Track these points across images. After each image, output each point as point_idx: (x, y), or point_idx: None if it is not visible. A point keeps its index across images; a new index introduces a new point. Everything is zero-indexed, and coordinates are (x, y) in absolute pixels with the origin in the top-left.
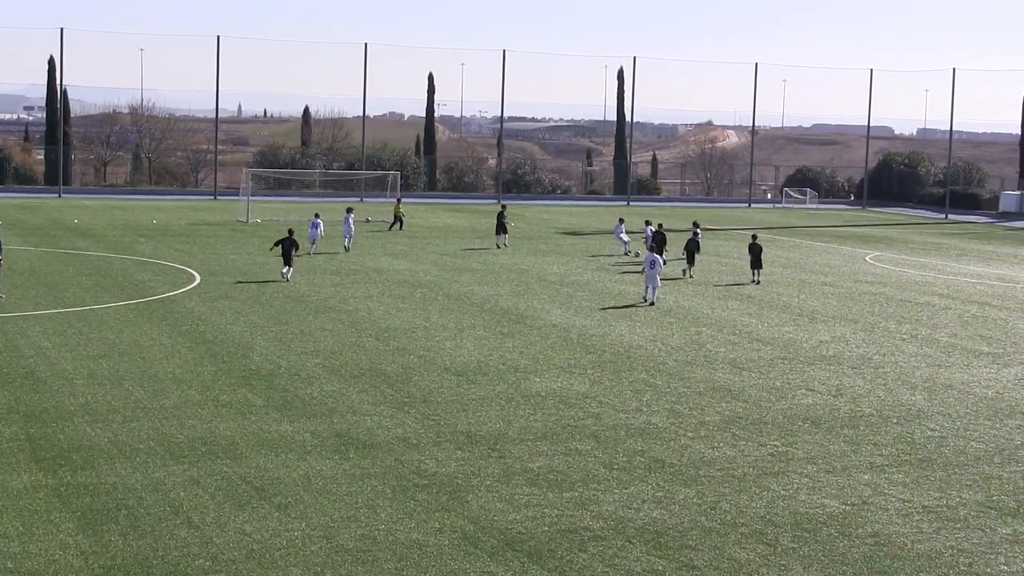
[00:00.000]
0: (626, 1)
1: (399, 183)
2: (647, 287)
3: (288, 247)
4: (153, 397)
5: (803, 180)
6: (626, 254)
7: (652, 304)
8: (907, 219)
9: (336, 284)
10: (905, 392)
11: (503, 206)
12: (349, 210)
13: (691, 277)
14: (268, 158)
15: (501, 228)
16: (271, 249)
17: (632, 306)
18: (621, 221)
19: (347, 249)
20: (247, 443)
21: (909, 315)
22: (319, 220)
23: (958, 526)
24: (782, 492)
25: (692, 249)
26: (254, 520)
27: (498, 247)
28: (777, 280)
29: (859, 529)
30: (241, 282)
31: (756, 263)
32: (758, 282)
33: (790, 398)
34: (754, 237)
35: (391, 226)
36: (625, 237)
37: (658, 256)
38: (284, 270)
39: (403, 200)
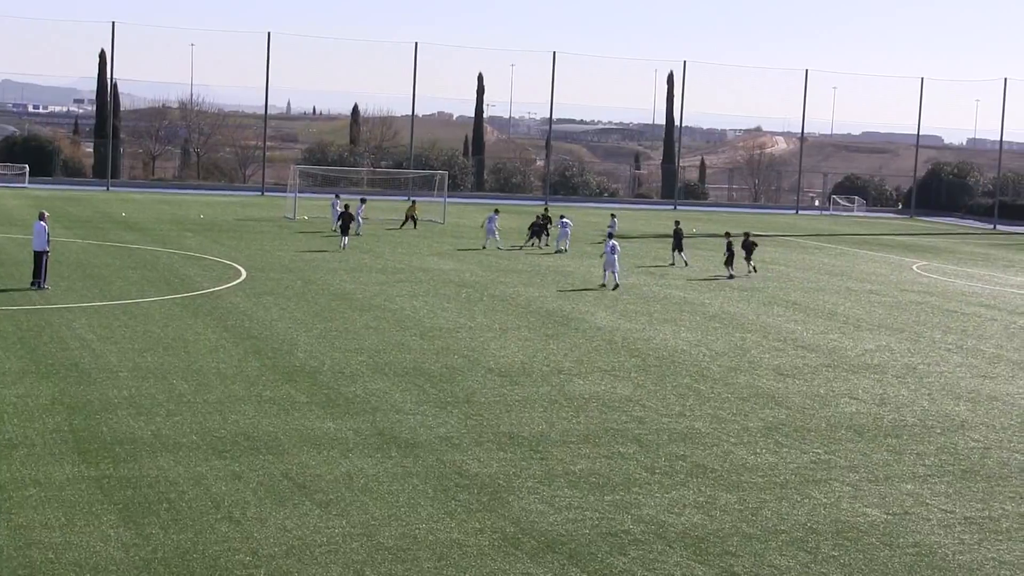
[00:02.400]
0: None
1: (447, 183)
2: (605, 272)
3: (347, 221)
4: (197, 391)
5: (851, 188)
6: (499, 248)
7: (614, 288)
8: (955, 229)
9: (382, 283)
10: (949, 402)
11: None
12: (363, 200)
13: (754, 271)
14: (316, 155)
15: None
16: (334, 229)
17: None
18: (496, 212)
19: (357, 233)
20: (289, 439)
21: (955, 325)
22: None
23: (1000, 538)
24: (824, 500)
25: (745, 249)
26: (295, 516)
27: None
28: (823, 288)
29: (900, 539)
30: (287, 278)
31: (748, 255)
32: (755, 271)
33: (834, 406)
34: (747, 235)
35: (402, 224)
36: (495, 228)
37: (616, 243)
38: (343, 241)
39: (449, 200)
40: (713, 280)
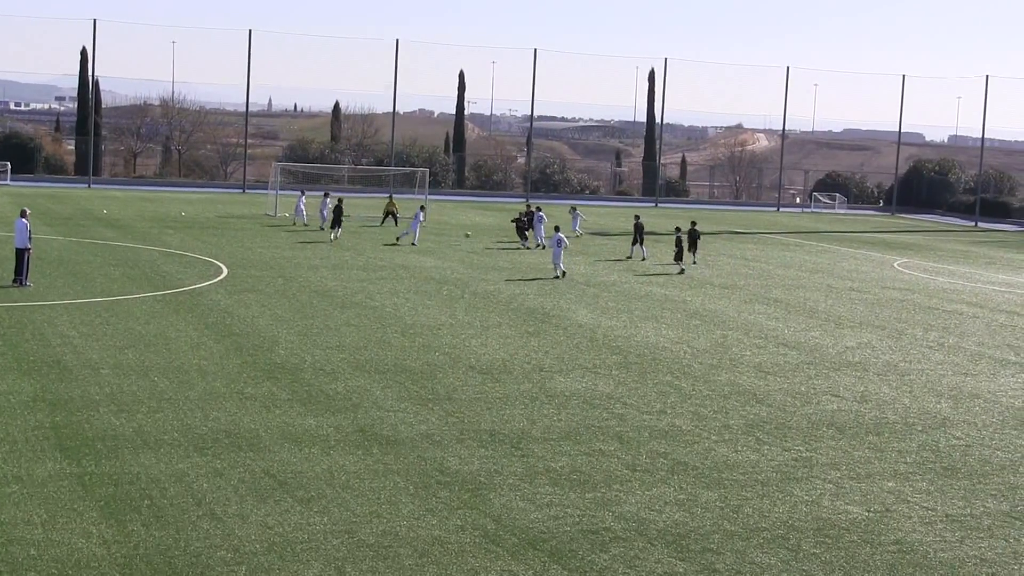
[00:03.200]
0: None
1: (427, 180)
2: (555, 265)
3: (338, 214)
4: (178, 388)
5: (832, 185)
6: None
7: (561, 276)
8: (936, 226)
9: (363, 280)
10: (931, 400)
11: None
12: (326, 195)
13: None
14: (298, 152)
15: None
16: (321, 227)
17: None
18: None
19: (321, 229)
20: (271, 436)
21: (936, 323)
22: (328, 201)
23: (982, 535)
24: (805, 497)
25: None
26: (276, 513)
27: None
28: (805, 285)
29: (882, 536)
30: (268, 275)
31: (692, 247)
32: (695, 263)
33: (815, 403)
34: (693, 224)
35: (382, 221)
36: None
37: (564, 236)
38: (332, 233)
39: (430, 197)
40: (664, 275)
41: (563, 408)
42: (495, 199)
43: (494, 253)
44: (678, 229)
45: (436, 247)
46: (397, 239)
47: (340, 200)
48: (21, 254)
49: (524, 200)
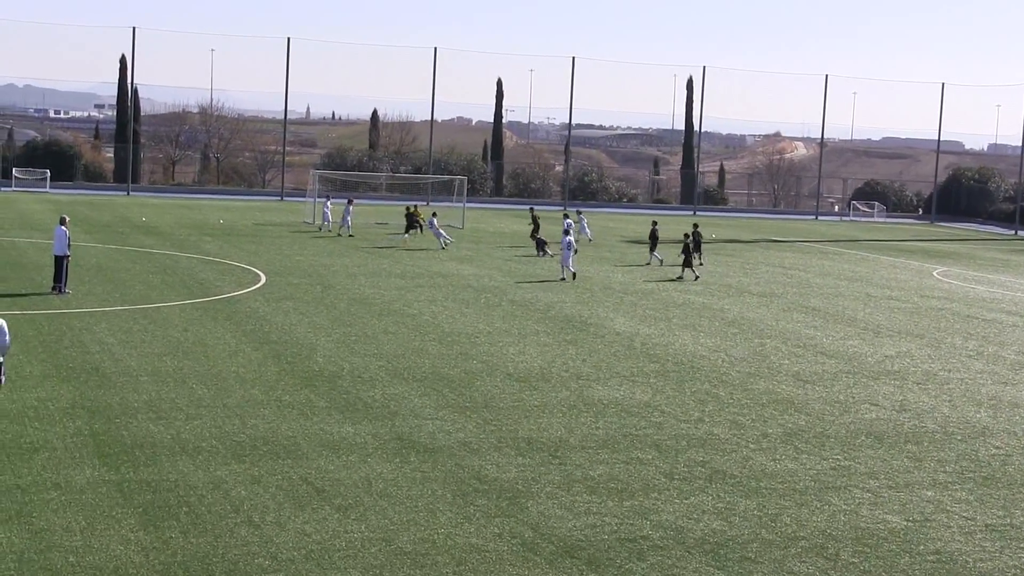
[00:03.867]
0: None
1: (465, 188)
2: (562, 267)
3: (411, 222)
4: (216, 396)
5: (871, 193)
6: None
7: (568, 279)
8: (976, 235)
9: (400, 287)
10: (970, 409)
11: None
12: (350, 202)
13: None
14: (335, 160)
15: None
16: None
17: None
18: (434, 215)
19: (339, 235)
20: (309, 444)
21: (976, 331)
22: (350, 207)
23: (1022, 545)
24: (843, 507)
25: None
26: (314, 521)
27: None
28: (843, 293)
29: (921, 546)
30: (306, 283)
31: (697, 248)
32: (701, 263)
33: (853, 412)
34: (695, 226)
35: (407, 229)
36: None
37: (572, 240)
38: (404, 236)
39: (468, 205)
40: (702, 283)
41: (601, 416)
42: (576, 210)
43: (531, 261)
44: (687, 236)
45: (474, 255)
46: (444, 246)
47: (408, 207)
48: (60, 261)
49: (561, 208)
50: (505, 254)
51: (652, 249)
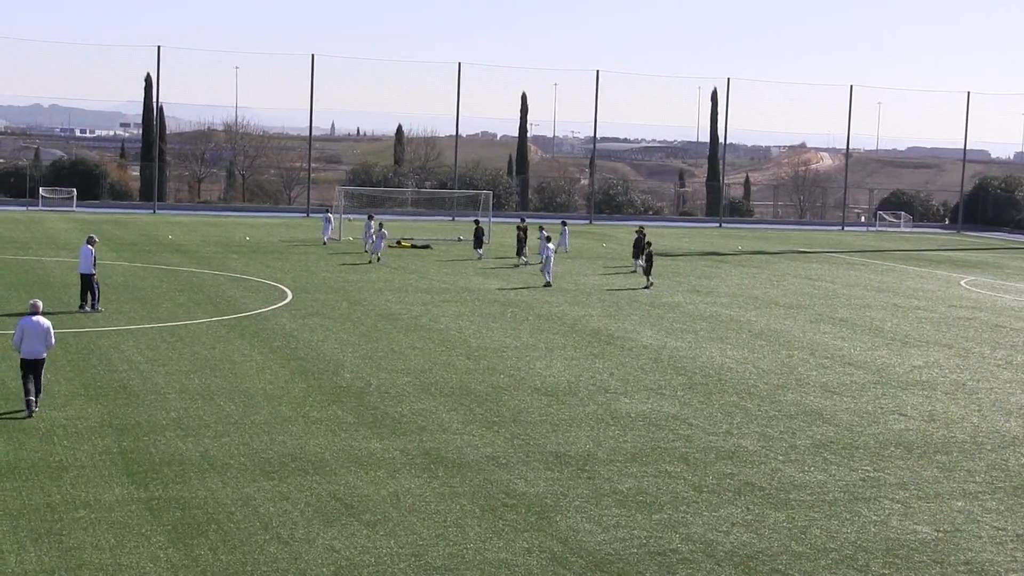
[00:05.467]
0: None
1: (491, 202)
2: (544, 272)
3: (479, 236)
4: (244, 413)
5: (897, 203)
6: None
7: (545, 286)
8: (1003, 244)
9: (427, 303)
10: (1000, 418)
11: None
12: (370, 217)
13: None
14: (361, 176)
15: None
16: (366, 249)
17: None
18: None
19: (366, 251)
20: (337, 460)
21: (1004, 341)
22: (372, 223)
23: None
24: (873, 518)
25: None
26: (343, 537)
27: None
28: (870, 304)
29: (951, 556)
30: (332, 299)
31: (639, 255)
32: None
33: (882, 423)
34: (640, 230)
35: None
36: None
37: (552, 247)
38: (478, 253)
39: (494, 220)
40: (728, 295)
41: (629, 429)
42: (560, 221)
43: (558, 275)
44: (649, 244)
45: (500, 269)
46: (480, 255)
47: (477, 220)
48: (85, 280)
49: (587, 221)
50: (532, 268)
51: (636, 256)
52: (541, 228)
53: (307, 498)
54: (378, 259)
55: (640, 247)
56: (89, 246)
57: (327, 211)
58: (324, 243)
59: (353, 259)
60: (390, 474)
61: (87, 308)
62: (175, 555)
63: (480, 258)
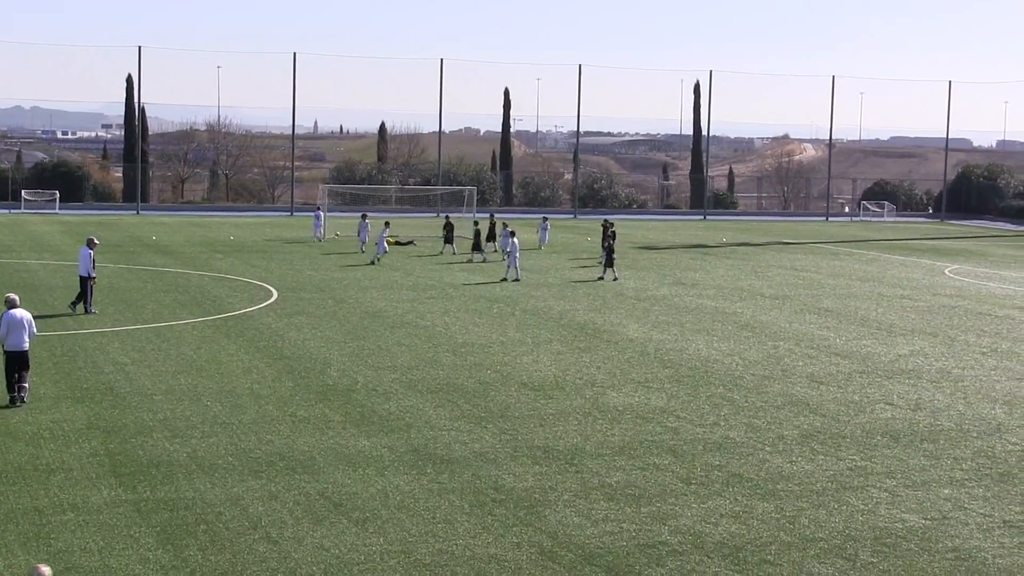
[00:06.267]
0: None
1: (475, 198)
2: (513, 269)
3: (450, 231)
4: (231, 413)
5: (881, 193)
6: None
7: (515, 280)
8: (986, 232)
9: (412, 299)
10: (985, 406)
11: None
12: (364, 217)
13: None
14: (344, 174)
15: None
16: (361, 250)
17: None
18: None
19: (362, 251)
20: (325, 458)
21: (989, 328)
22: (367, 222)
23: None
24: (861, 507)
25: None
26: (332, 535)
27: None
28: (855, 294)
29: (939, 544)
30: (318, 297)
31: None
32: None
33: (869, 412)
34: (609, 224)
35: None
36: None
37: (516, 241)
38: (447, 248)
39: (479, 215)
40: (713, 287)
41: (616, 423)
42: (541, 216)
43: (543, 270)
44: (614, 235)
45: (485, 265)
46: (475, 258)
47: (448, 216)
48: (84, 282)
49: (572, 215)
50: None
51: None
52: (505, 224)
53: (296, 497)
54: (377, 260)
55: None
56: (88, 248)
57: (318, 208)
58: (316, 240)
59: (340, 258)
60: (378, 471)
61: (92, 311)
62: (164, 556)
63: (484, 260)
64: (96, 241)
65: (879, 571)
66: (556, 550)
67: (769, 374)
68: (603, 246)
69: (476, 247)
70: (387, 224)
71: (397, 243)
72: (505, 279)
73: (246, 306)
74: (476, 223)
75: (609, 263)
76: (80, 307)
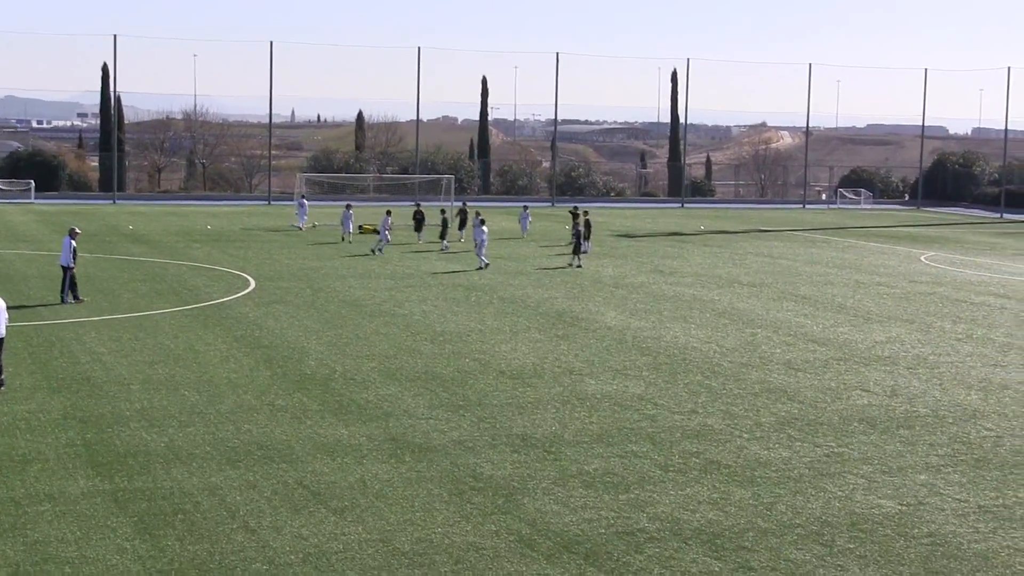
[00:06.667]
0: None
1: (453, 187)
2: (479, 255)
3: (419, 219)
4: (209, 402)
5: (857, 181)
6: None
7: (479, 268)
8: (962, 219)
9: (390, 288)
10: (961, 392)
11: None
12: (348, 207)
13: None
14: (322, 163)
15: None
16: (344, 239)
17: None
18: (389, 213)
19: (344, 240)
20: (303, 447)
21: (965, 315)
22: (351, 212)
23: (1015, 526)
24: (838, 493)
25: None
26: (311, 524)
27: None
28: (832, 281)
29: (915, 529)
30: (296, 286)
31: (587, 235)
32: (587, 252)
33: (845, 399)
34: (585, 212)
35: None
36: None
37: (485, 229)
38: (418, 236)
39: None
40: (691, 275)
41: (594, 411)
42: (521, 204)
43: (521, 258)
44: (581, 211)
45: (462, 254)
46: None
47: (419, 204)
48: (65, 272)
49: (549, 204)
50: (493, 252)
51: (586, 237)
52: (477, 213)
53: (274, 486)
54: (379, 251)
55: (585, 227)
56: (70, 238)
57: (303, 197)
58: (300, 228)
59: (318, 247)
60: (357, 460)
61: (67, 300)
62: (142, 546)
63: (445, 249)
64: (78, 231)
65: (856, 556)
66: (534, 538)
67: (746, 361)
68: (572, 233)
69: (443, 235)
70: (388, 213)
71: (374, 231)
72: (480, 268)
73: (223, 295)
74: (443, 211)
75: (576, 250)
76: (70, 296)
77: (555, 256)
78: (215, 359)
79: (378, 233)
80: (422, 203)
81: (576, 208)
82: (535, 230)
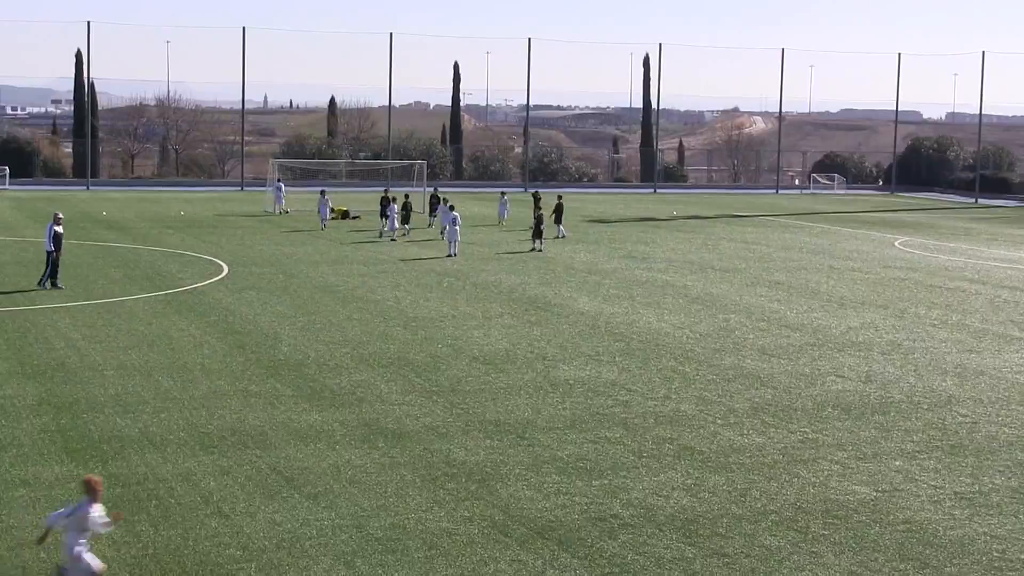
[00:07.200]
0: None
1: (425, 172)
2: (450, 242)
3: (407, 211)
4: (183, 388)
5: (831, 166)
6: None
7: (453, 256)
8: (936, 204)
9: (363, 274)
10: (936, 378)
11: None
12: (323, 193)
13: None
14: (295, 149)
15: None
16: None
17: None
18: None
19: (323, 228)
20: (276, 433)
21: (939, 300)
22: (327, 199)
23: (991, 512)
24: (812, 479)
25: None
26: (284, 510)
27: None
28: (806, 267)
29: (890, 516)
30: (269, 272)
31: (559, 220)
32: (563, 236)
33: (820, 384)
34: (559, 197)
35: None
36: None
37: (457, 215)
38: (403, 229)
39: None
40: (663, 261)
41: (567, 396)
42: (494, 189)
43: (494, 244)
44: (559, 196)
45: (435, 240)
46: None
47: (407, 195)
48: (47, 256)
49: (522, 189)
50: (466, 237)
51: (557, 222)
52: (446, 200)
53: (248, 472)
54: (402, 235)
55: (557, 212)
56: (54, 224)
57: (279, 181)
58: (278, 213)
59: (290, 233)
60: (330, 446)
61: (45, 285)
62: (116, 532)
63: (407, 233)
64: (61, 216)
65: (831, 543)
66: (508, 524)
67: (720, 347)
68: (534, 216)
69: (405, 220)
70: (394, 200)
71: (344, 216)
72: (451, 255)
73: (197, 281)
74: (407, 196)
75: (537, 234)
76: (48, 283)
77: (527, 241)
78: (189, 345)
79: (349, 217)
80: (391, 188)
81: (537, 192)
82: (495, 216)
